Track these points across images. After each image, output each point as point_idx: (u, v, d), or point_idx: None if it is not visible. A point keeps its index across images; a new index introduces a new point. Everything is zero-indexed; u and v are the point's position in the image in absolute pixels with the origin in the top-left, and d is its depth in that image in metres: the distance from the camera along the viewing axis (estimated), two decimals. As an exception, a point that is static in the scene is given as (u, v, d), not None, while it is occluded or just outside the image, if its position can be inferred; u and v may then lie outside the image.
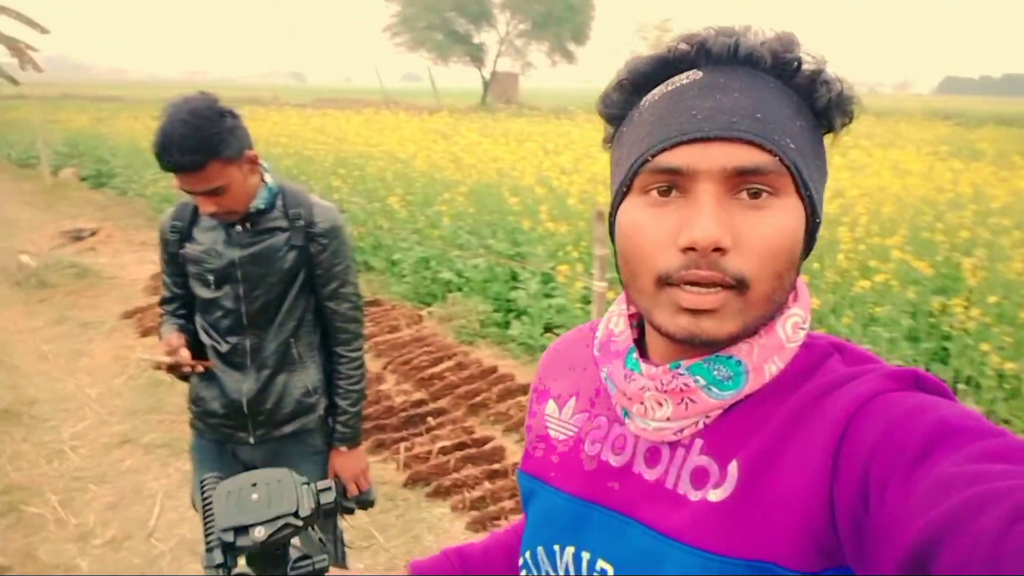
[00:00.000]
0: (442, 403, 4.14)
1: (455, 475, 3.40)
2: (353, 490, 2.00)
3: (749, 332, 0.62)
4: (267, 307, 1.87)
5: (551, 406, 0.81)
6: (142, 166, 11.06)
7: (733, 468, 0.62)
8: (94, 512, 3.22)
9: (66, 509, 3.24)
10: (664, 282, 0.60)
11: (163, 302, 2.01)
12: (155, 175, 9.81)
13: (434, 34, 42.83)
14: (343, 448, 1.98)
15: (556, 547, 0.72)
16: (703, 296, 0.59)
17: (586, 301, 4.87)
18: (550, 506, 0.74)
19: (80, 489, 3.40)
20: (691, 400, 0.63)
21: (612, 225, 0.66)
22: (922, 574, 0.46)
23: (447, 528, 3.09)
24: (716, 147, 0.58)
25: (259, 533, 0.69)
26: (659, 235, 0.60)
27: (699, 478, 0.63)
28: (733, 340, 0.62)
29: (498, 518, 3.09)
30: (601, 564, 0.67)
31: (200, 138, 1.61)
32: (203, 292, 1.88)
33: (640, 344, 0.71)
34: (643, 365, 0.67)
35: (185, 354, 1.80)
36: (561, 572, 0.71)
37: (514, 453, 3.60)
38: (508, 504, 3.17)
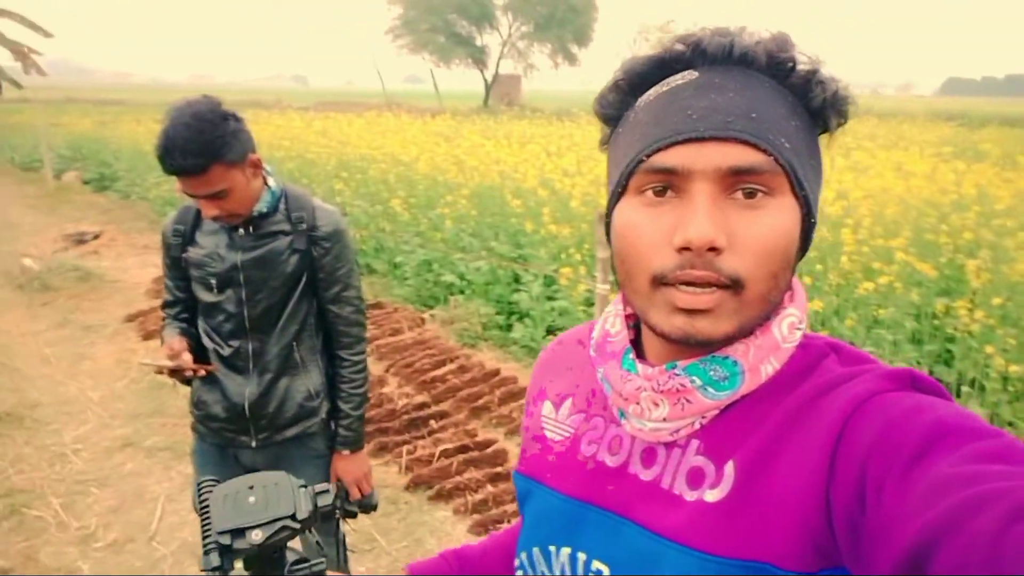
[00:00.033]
0: (444, 406, 4.14)
1: (457, 478, 3.39)
2: (355, 494, 2.00)
3: (745, 332, 0.62)
4: (269, 311, 1.86)
5: (547, 407, 0.81)
6: (145, 169, 11.09)
7: (729, 468, 0.61)
8: (96, 515, 3.22)
9: (68, 512, 3.24)
10: (660, 282, 0.60)
11: (165, 306, 2.01)
12: (158, 178, 9.83)
13: (436, 36, 42.86)
14: (345, 452, 1.97)
15: (552, 548, 0.72)
16: (698, 296, 0.59)
17: (589, 304, 4.86)
18: (546, 506, 0.74)
19: (82, 492, 3.40)
20: (687, 400, 0.63)
21: (608, 226, 0.67)
22: (919, 574, 0.46)
23: (449, 531, 3.08)
24: (711, 147, 0.58)
25: (256, 536, 0.69)
26: (654, 235, 0.60)
27: (695, 478, 0.63)
28: (729, 340, 0.62)
29: (500, 521, 3.08)
30: (597, 565, 0.67)
31: (203, 141, 1.61)
32: (205, 296, 1.88)
33: (636, 345, 0.72)
34: (639, 365, 0.67)
35: (187, 358, 1.79)
36: (557, 572, 0.71)
37: (516, 456, 3.59)
38: (511, 507, 3.16)
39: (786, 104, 0.61)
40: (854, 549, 0.53)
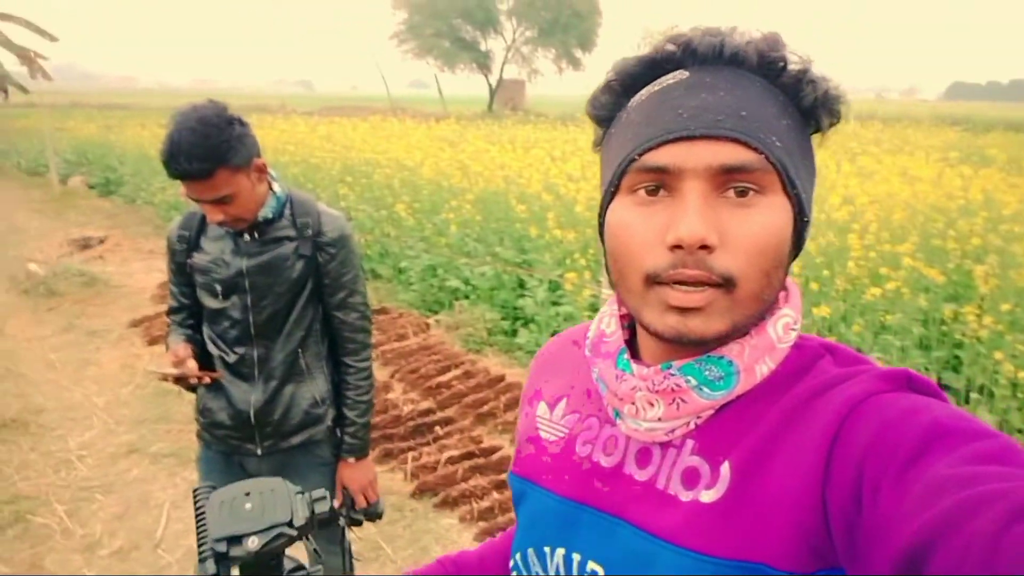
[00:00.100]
0: (450, 412, 4.13)
1: (463, 485, 3.38)
2: (361, 502, 1.99)
3: (738, 331, 0.62)
4: (275, 317, 1.85)
5: (542, 407, 0.81)
6: (150, 174, 11.14)
7: (725, 469, 0.61)
8: (101, 522, 3.21)
9: (73, 519, 3.23)
10: (653, 281, 0.60)
11: (170, 312, 2.00)
12: (163, 183, 9.86)
13: (441, 41, 43.01)
14: (351, 459, 1.96)
15: (547, 549, 0.72)
16: (690, 294, 0.59)
17: (594, 309, 4.85)
18: (541, 507, 0.74)
19: (87, 499, 3.39)
20: (682, 400, 0.63)
21: (602, 226, 0.67)
22: (915, 575, 0.46)
23: (455, 539, 3.07)
24: (702, 145, 0.58)
25: (252, 543, 0.68)
26: (647, 234, 0.60)
27: (690, 479, 0.63)
28: (722, 339, 0.62)
29: (506, 529, 3.07)
30: (591, 566, 0.67)
31: (208, 146, 1.60)
32: (210, 302, 1.87)
33: (631, 345, 0.72)
34: (634, 365, 0.67)
35: (192, 365, 1.78)
36: (551, 574, 0.71)
37: (522, 463, 3.58)
38: (516, 515, 3.14)
39: (777, 103, 0.61)
40: (850, 550, 0.53)
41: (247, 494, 0.72)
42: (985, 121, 24.70)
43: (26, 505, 3.32)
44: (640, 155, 0.61)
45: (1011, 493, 0.43)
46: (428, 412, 4.11)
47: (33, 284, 6.75)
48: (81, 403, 4.44)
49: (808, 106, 0.62)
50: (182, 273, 1.91)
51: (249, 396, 1.88)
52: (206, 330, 1.93)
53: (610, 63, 0.68)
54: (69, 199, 12.31)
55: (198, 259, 1.87)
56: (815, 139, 0.65)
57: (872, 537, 0.50)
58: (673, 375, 0.63)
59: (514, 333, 5.22)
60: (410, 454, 3.70)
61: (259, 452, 1.92)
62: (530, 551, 0.74)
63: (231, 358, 1.88)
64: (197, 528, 0.71)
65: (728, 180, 0.59)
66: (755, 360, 0.63)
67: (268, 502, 0.71)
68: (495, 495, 3.31)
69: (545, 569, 0.72)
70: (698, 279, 0.58)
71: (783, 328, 0.65)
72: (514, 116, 25.58)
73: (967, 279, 4.48)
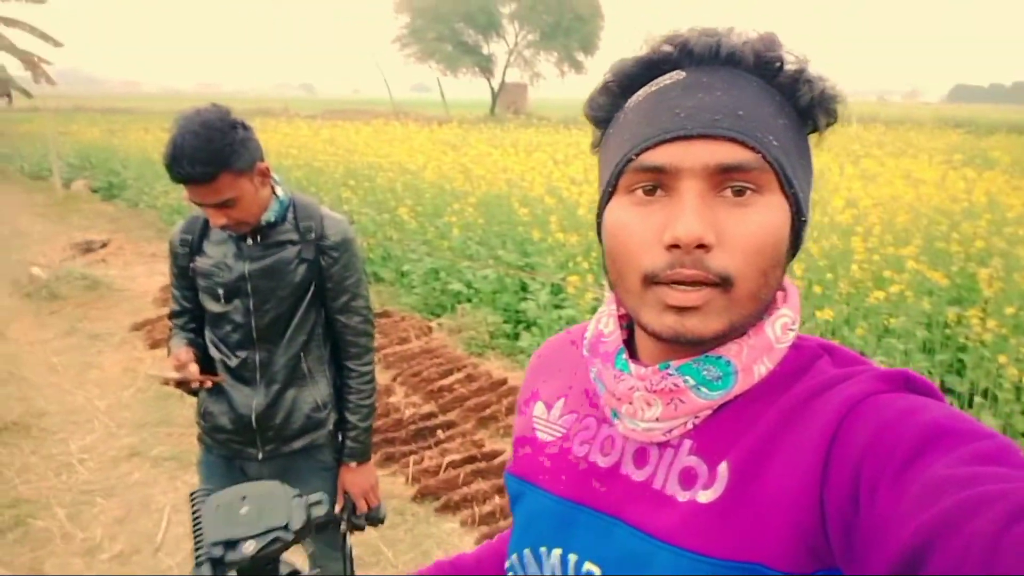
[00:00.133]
0: (451, 416, 4.12)
1: (464, 489, 3.37)
2: (363, 506, 1.98)
3: (735, 330, 0.62)
4: (277, 321, 1.85)
5: (539, 407, 0.81)
6: (153, 178, 11.16)
7: (723, 469, 0.61)
8: (101, 526, 3.21)
9: (73, 523, 3.22)
10: (651, 281, 0.60)
11: (172, 316, 1.99)
12: (166, 187, 9.88)
13: (443, 45, 43.06)
14: (352, 464, 1.95)
15: (543, 549, 0.71)
16: (687, 294, 0.59)
17: (596, 312, 4.84)
18: (537, 508, 0.74)
19: (88, 503, 3.39)
20: (680, 400, 0.63)
21: (600, 226, 0.67)
22: (914, 575, 0.46)
23: (456, 543, 3.06)
24: (699, 145, 0.59)
25: (249, 547, 0.68)
26: (644, 234, 0.60)
27: (688, 479, 0.63)
28: (720, 339, 0.61)
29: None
30: (588, 566, 0.67)
31: (211, 150, 1.60)
32: (212, 306, 1.86)
33: (630, 345, 0.72)
34: (632, 365, 0.67)
35: (194, 369, 1.77)
36: (548, 574, 0.71)
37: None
38: (519, 519, 3.13)
39: (773, 103, 0.61)
40: (847, 550, 0.53)
41: (244, 498, 0.71)
42: (988, 123, 24.68)
43: (27, 508, 3.31)
44: (637, 155, 0.61)
45: (1010, 494, 0.43)
46: (430, 416, 4.11)
47: (36, 288, 6.76)
48: (83, 406, 4.44)
49: (805, 106, 0.62)
50: (184, 277, 1.91)
51: (251, 400, 1.87)
52: (208, 334, 1.92)
53: (613, 66, 0.67)
54: (72, 203, 12.34)
55: (200, 263, 1.86)
56: (813, 139, 0.65)
57: (870, 538, 0.50)
58: (671, 375, 0.63)
59: (516, 337, 5.22)
60: (411, 458, 3.69)
61: (260, 456, 1.91)
62: (527, 552, 0.73)
63: (233, 362, 1.87)
64: (194, 532, 0.71)
65: (725, 179, 0.59)
66: (753, 360, 0.63)
67: (265, 506, 0.71)
68: (497, 499, 3.30)
69: (541, 570, 0.71)
70: (695, 279, 0.58)
71: (781, 328, 0.65)
72: (516, 119, 25.61)
73: (971, 282, 4.47)
